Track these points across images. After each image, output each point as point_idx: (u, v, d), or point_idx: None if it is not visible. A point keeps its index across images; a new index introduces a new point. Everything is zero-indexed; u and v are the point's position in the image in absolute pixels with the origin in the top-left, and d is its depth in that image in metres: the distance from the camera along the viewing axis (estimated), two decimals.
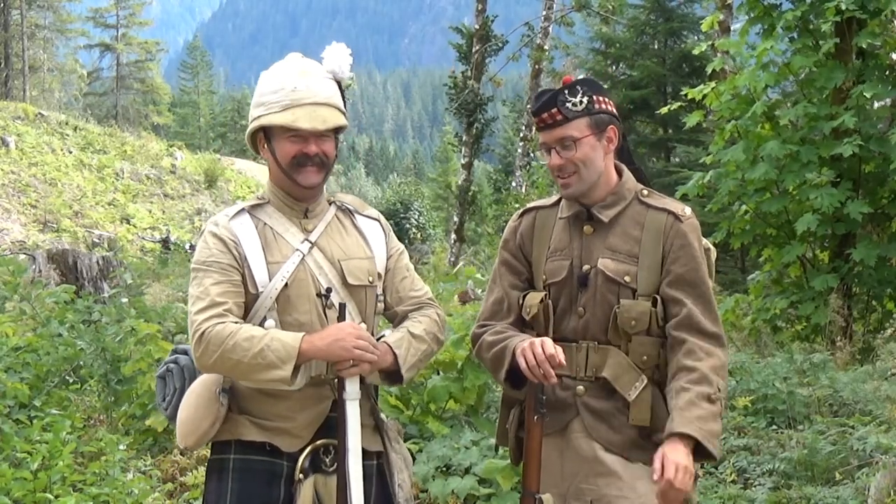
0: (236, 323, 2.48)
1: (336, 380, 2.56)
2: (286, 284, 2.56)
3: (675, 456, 2.45)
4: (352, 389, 2.54)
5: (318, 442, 2.60)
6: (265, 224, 2.63)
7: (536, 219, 2.77)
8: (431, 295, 2.78)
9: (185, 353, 2.71)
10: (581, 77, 2.69)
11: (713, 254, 2.73)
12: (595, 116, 2.62)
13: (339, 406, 2.56)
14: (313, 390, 2.58)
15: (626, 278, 2.60)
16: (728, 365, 2.67)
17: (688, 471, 2.44)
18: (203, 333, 2.45)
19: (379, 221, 2.79)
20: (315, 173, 2.60)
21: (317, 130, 2.58)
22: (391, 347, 2.57)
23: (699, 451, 2.48)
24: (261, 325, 2.53)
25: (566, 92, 2.61)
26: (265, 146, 2.64)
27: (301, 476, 2.56)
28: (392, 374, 2.61)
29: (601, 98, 2.64)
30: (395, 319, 2.73)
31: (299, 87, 2.60)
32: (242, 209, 2.65)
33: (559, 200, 2.76)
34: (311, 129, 2.57)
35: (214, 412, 2.53)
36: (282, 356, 2.42)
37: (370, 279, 2.67)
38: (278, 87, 2.60)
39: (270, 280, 2.56)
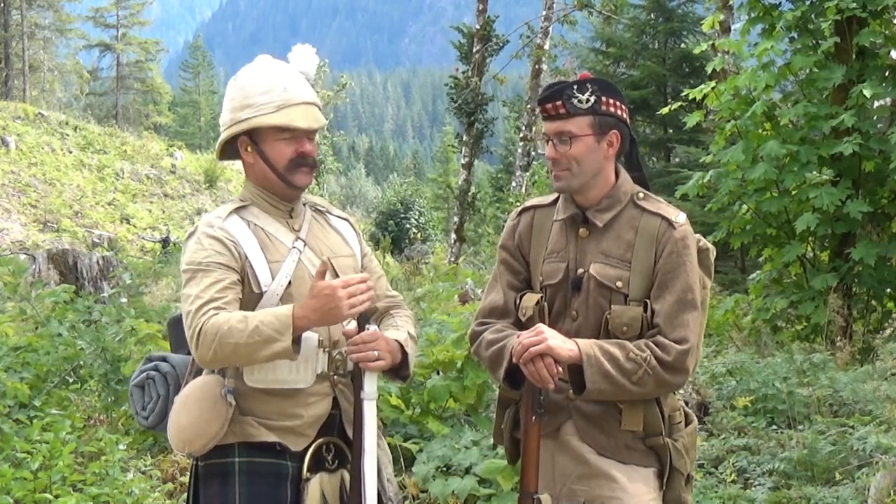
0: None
1: (352, 378, 2.59)
2: (289, 283, 2.57)
3: (551, 334, 2.48)
4: (370, 389, 2.56)
5: (322, 440, 2.60)
6: (255, 225, 2.62)
7: (534, 218, 2.76)
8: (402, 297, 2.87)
9: (164, 359, 2.69)
10: (595, 77, 2.66)
11: (712, 254, 2.70)
12: (599, 117, 2.59)
13: (356, 405, 2.58)
14: (317, 387, 2.58)
15: (618, 283, 2.58)
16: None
17: (549, 349, 2.45)
18: (200, 328, 2.42)
19: (349, 221, 2.82)
20: (308, 174, 2.62)
21: (312, 129, 2.60)
22: (402, 345, 2.61)
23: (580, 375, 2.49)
24: None
25: (575, 88, 2.59)
26: (249, 149, 2.61)
27: (308, 475, 2.57)
28: (397, 371, 2.64)
29: (610, 100, 2.60)
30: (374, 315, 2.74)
31: (289, 87, 2.60)
32: (231, 211, 2.63)
33: (556, 199, 2.74)
34: (308, 128, 2.58)
35: (223, 414, 2.51)
36: (277, 328, 2.40)
37: None
38: (267, 87, 2.58)
39: (273, 279, 2.56)
